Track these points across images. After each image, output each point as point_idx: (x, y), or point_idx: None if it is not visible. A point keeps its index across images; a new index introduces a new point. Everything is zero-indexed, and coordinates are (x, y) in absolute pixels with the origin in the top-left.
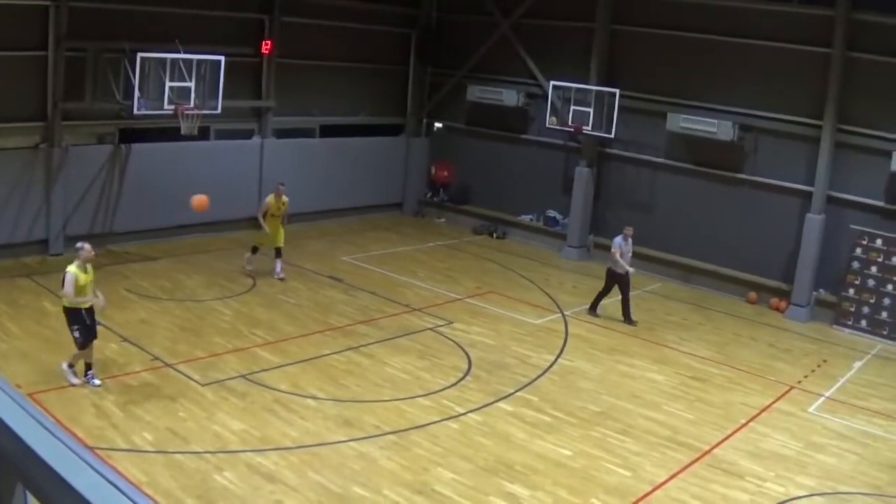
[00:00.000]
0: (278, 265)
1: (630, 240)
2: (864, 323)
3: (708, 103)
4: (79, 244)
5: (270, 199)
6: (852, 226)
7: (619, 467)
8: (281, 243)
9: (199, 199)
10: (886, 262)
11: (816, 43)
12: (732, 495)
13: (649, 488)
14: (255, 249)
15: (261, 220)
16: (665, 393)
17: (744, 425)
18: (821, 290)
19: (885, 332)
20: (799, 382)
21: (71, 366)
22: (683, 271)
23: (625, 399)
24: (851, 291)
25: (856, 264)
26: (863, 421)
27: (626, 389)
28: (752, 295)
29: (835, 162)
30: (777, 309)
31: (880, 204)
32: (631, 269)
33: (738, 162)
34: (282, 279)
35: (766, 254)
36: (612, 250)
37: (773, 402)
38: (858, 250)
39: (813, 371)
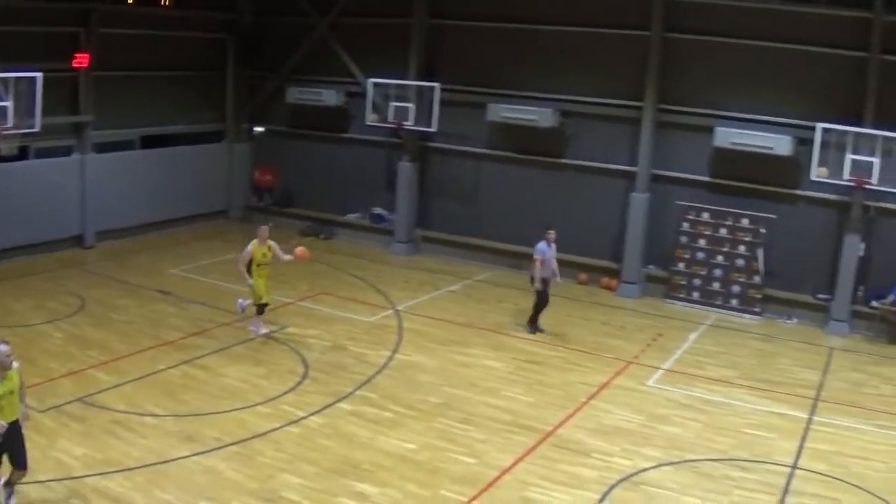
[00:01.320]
0: (260, 324)
1: (553, 244)
2: (696, 295)
3: (529, 92)
4: None
5: (252, 245)
6: (678, 202)
7: (464, 456)
8: (269, 298)
9: (301, 252)
10: (714, 234)
11: (635, 26)
12: (580, 473)
13: (497, 473)
14: (261, 309)
15: (243, 272)
16: (504, 379)
17: (585, 404)
18: (651, 266)
19: (717, 303)
20: (636, 357)
21: None
22: (513, 258)
23: (464, 388)
24: (682, 265)
25: (684, 239)
26: (703, 389)
27: (465, 379)
28: (583, 276)
29: (657, 141)
30: (608, 288)
31: (705, 178)
32: (558, 278)
33: (561, 147)
34: (265, 335)
35: (595, 235)
36: (535, 257)
37: (612, 379)
38: (686, 225)
39: (649, 345)
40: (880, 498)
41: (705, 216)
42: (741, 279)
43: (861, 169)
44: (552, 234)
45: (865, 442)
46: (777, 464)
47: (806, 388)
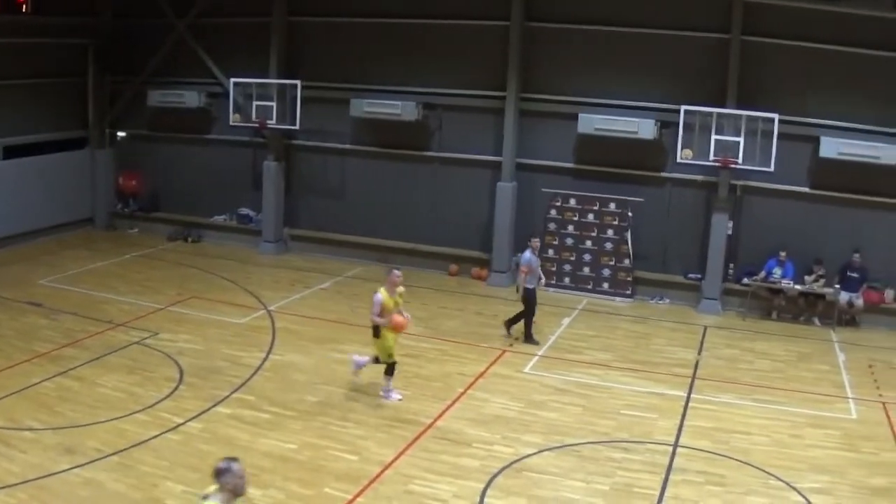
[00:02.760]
0: (391, 388)
1: (537, 253)
2: (567, 280)
3: (391, 86)
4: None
5: (382, 293)
6: (545, 189)
7: (345, 453)
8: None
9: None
10: (582, 219)
11: (495, 16)
12: (462, 463)
13: (379, 469)
14: (390, 369)
15: (379, 321)
16: (380, 374)
17: (463, 394)
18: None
19: (589, 287)
20: (511, 345)
21: None
22: (383, 253)
23: (341, 386)
24: (551, 252)
25: (552, 225)
26: (580, 373)
27: (341, 376)
28: (454, 267)
29: (522, 130)
30: (479, 278)
31: (571, 165)
32: (543, 281)
33: (426, 140)
34: (399, 399)
35: (463, 226)
36: (521, 267)
37: (489, 368)
38: (553, 212)
39: (523, 333)
40: (764, 471)
41: (572, 202)
42: (611, 263)
43: (726, 149)
44: (536, 241)
45: (745, 416)
46: (659, 443)
47: (682, 367)
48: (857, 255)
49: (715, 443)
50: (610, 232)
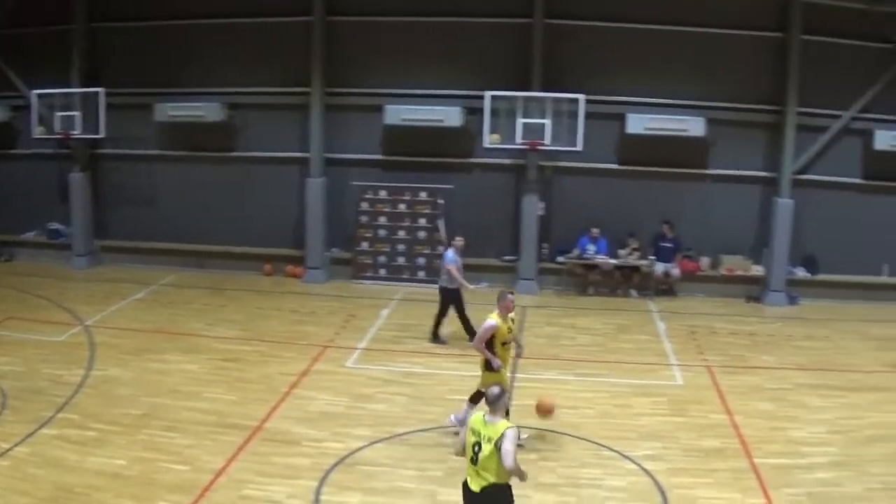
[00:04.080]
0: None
1: (461, 252)
2: (383, 272)
3: (195, 88)
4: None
5: (496, 318)
6: (355, 182)
7: (176, 464)
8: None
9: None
10: (394, 210)
11: (296, 13)
12: (294, 462)
13: (211, 476)
14: (476, 397)
15: (486, 353)
16: (203, 381)
17: (287, 394)
18: (334, 250)
19: (405, 277)
20: (331, 341)
21: None
22: (197, 257)
23: (165, 396)
24: (365, 245)
25: (364, 218)
26: (402, 363)
27: (164, 386)
28: (268, 267)
29: (329, 125)
30: (294, 275)
31: (379, 157)
32: (469, 286)
33: (232, 140)
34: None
35: (275, 224)
36: (448, 266)
37: (311, 365)
38: (365, 205)
39: (343, 327)
40: (595, 443)
41: (383, 194)
42: (425, 251)
43: (533, 132)
44: (461, 240)
45: (571, 391)
46: None
47: None
48: (667, 226)
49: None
50: (422, 221)
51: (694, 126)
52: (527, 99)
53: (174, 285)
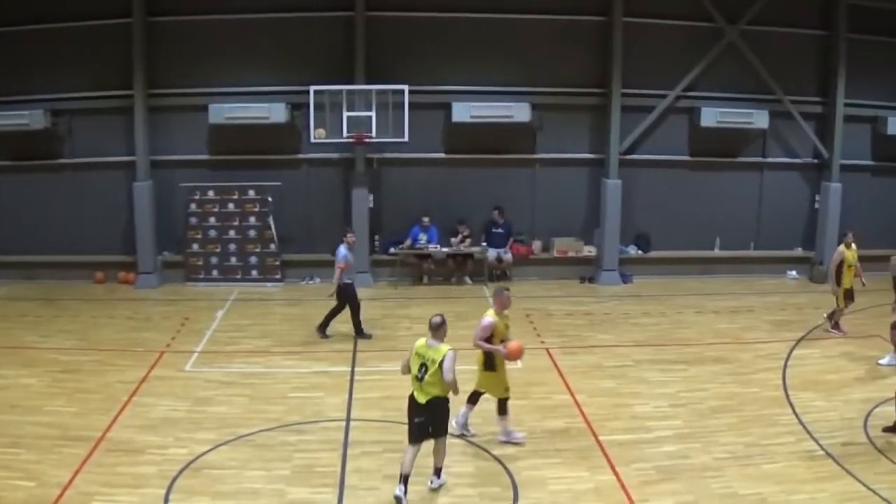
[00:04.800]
0: (512, 428)
1: (353, 247)
2: (216, 273)
3: (16, 95)
4: None
5: (492, 316)
6: (183, 184)
7: (22, 480)
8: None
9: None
10: (223, 210)
11: (115, 14)
12: (140, 471)
13: (59, 491)
14: (504, 406)
15: (488, 347)
16: (42, 394)
17: (128, 402)
18: (166, 253)
19: (238, 277)
20: (168, 346)
21: None
22: (26, 269)
23: (5, 412)
24: (196, 246)
25: (194, 220)
26: (241, 363)
27: (4, 402)
28: (99, 275)
29: (153, 127)
30: (127, 282)
31: (206, 157)
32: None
33: (58, 148)
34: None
35: (104, 231)
36: (339, 264)
37: (149, 372)
38: (193, 206)
39: (178, 331)
40: None
41: (211, 194)
42: (257, 250)
43: (359, 125)
44: (352, 237)
45: (406, 380)
46: (331, 420)
47: (342, 343)
48: (497, 212)
49: (386, 411)
50: (252, 219)
51: (519, 112)
52: (351, 92)
53: (5, 298)
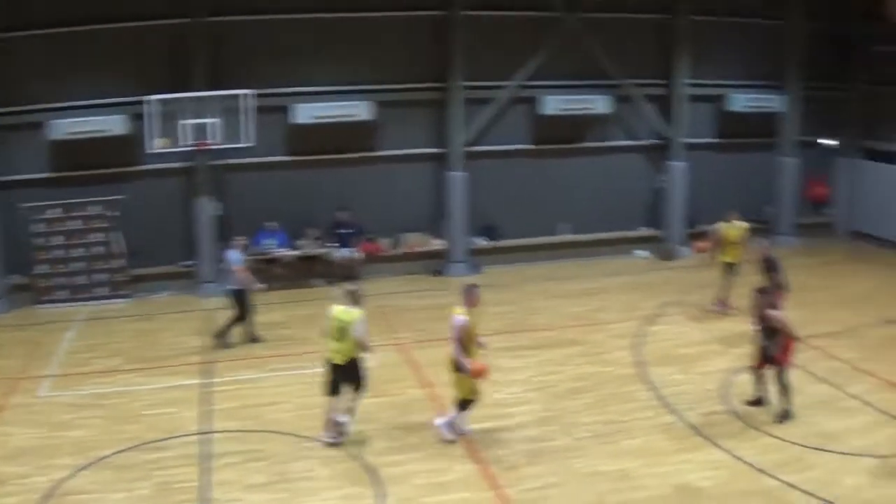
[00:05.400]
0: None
1: (243, 251)
2: (65, 293)
3: None
4: None
5: (464, 313)
6: (24, 204)
7: None
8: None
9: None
10: (68, 228)
11: None
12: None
13: None
14: (464, 404)
15: (461, 358)
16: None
17: None
18: (14, 276)
19: (87, 295)
20: (21, 372)
21: None
22: None
23: None
24: (44, 267)
25: (40, 240)
26: (94, 384)
27: None
28: None
29: None
30: None
31: (47, 175)
32: (257, 285)
33: None
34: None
35: None
36: (235, 268)
37: (4, 400)
38: (38, 226)
39: (31, 356)
40: (298, 435)
41: (57, 212)
42: (105, 267)
43: (200, 132)
44: (242, 239)
45: (268, 388)
46: (190, 434)
47: (195, 355)
48: (342, 212)
49: (244, 420)
50: (99, 236)
51: (362, 110)
52: (191, 100)
53: None
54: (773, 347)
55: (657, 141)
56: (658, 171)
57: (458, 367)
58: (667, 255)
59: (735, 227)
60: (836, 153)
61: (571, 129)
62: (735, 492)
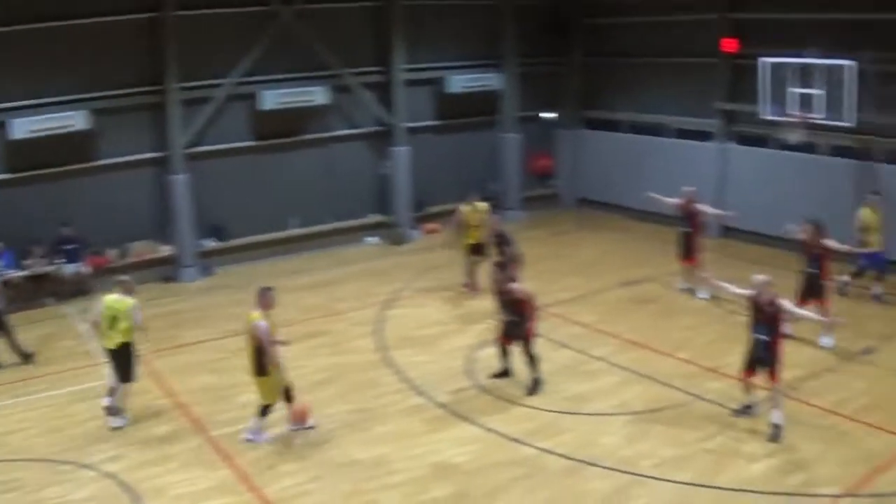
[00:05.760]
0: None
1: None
2: None
3: None
4: None
5: (261, 317)
6: None
7: None
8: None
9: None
10: None
11: None
12: None
13: None
14: (266, 410)
15: (274, 358)
16: None
17: None
18: None
19: None
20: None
21: None
22: None
23: None
24: None
25: None
26: None
27: None
28: None
29: None
30: None
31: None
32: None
33: None
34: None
35: None
36: None
37: None
38: None
39: None
40: (51, 460)
41: None
42: None
43: None
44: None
45: (15, 414)
46: None
47: None
48: (66, 228)
49: None
50: None
51: (78, 120)
52: None
53: None
54: (520, 323)
55: (379, 128)
56: (382, 157)
57: (259, 372)
58: (397, 240)
59: (477, 209)
60: (556, 125)
61: (293, 123)
62: (491, 464)
